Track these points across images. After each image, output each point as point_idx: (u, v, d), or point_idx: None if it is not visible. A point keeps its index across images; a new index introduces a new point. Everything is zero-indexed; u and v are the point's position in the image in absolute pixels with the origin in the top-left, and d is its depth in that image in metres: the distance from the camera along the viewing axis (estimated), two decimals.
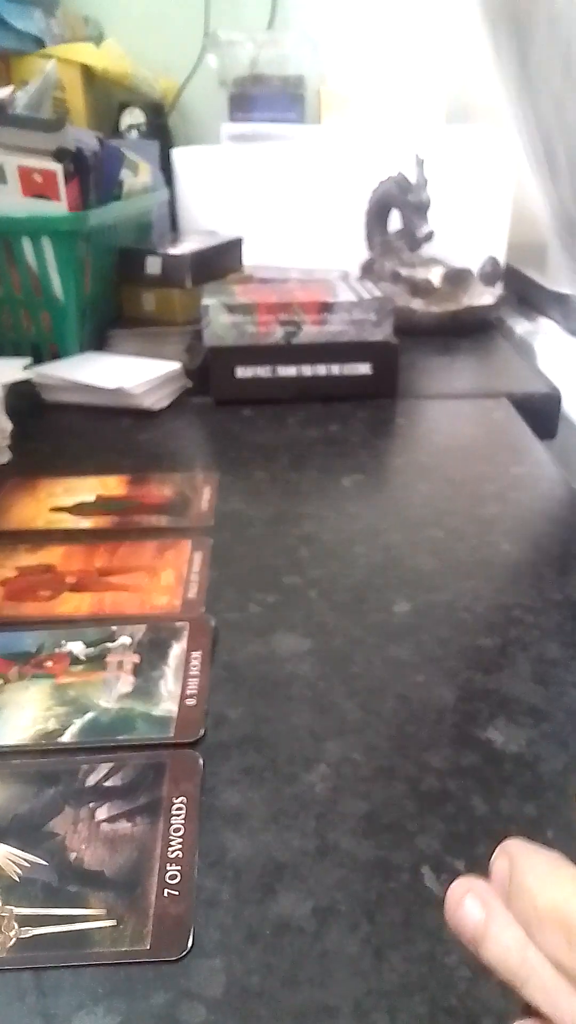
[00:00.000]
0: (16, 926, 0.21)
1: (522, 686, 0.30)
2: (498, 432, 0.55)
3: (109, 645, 0.32)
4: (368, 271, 0.83)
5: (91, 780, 0.25)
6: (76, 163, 0.61)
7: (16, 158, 0.59)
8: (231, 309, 0.59)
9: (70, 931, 0.21)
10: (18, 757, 0.26)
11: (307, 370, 0.61)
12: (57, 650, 0.32)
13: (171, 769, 0.26)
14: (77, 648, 0.32)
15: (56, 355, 0.66)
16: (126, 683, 0.30)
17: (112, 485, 0.47)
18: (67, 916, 0.21)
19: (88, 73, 0.90)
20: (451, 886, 0.18)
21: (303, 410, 0.59)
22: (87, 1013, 0.19)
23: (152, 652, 0.32)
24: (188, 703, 0.29)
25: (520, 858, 0.17)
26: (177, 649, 0.32)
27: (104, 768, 0.26)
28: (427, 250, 0.80)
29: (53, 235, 0.61)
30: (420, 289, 0.80)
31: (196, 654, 0.32)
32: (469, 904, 0.17)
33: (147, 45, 0.99)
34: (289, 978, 0.20)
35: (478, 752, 0.27)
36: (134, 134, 0.96)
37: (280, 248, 0.90)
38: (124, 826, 0.24)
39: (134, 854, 0.23)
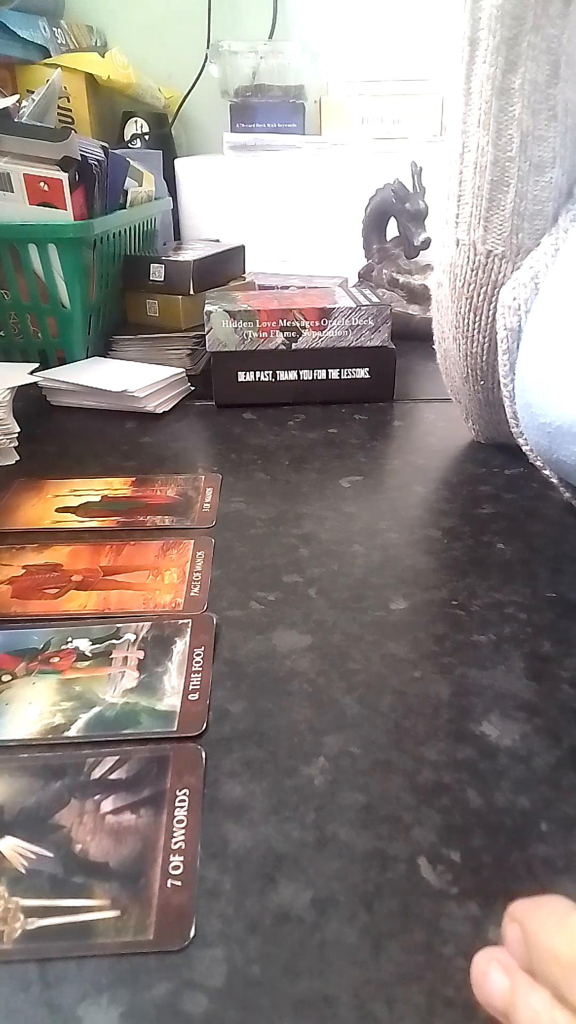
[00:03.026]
0: (22, 917, 0.21)
1: (516, 682, 0.30)
2: None
3: (114, 642, 0.33)
4: (366, 278, 0.84)
5: (96, 773, 0.26)
6: (81, 172, 0.62)
7: (22, 166, 0.60)
8: (233, 315, 0.59)
9: (74, 922, 0.21)
10: (25, 751, 0.27)
11: (307, 374, 0.61)
12: (63, 646, 0.32)
13: (174, 762, 0.26)
14: (83, 644, 0.33)
15: (62, 360, 0.66)
16: (131, 679, 0.30)
17: (117, 486, 0.48)
18: (72, 907, 0.21)
19: (93, 82, 0.92)
20: (474, 959, 0.18)
21: (303, 413, 0.60)
22: (91, 1003, 0.19)
23: (156, 648, 0.32)
24: (191, 698, 0.29)
25: (529, 921, 0.17)
26: (180, 645, 0.32)
27: (109, 761, 0.26)
28: (424, 257, 0.81)
29: (59, 243, 0.62)
30: (417, 295, 0.81)
31: (199, 650, 0.32)
32: (494, 974, 0.17)
33: (150, 55, 1.00)
34: (289, 968, 0.20)
35: (473, 746, 0.27)
36: (138, 143, 0.97)
37: (281, 255, 0.91)
38: (128, 818, 0.24)
39: (138, 845, 0.23)
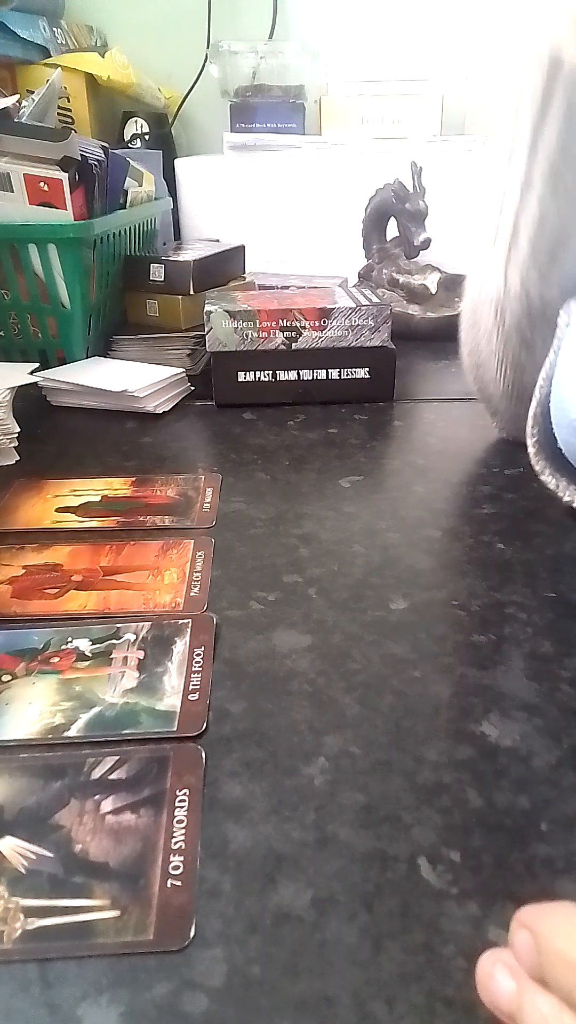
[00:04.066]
0: (22, 917, 0.21)
1: (516, 682, 0.30)
2: (492, 434, 0.55)
3: (114, 642, 0.33)
4: (366, 278, 0.84)
5: (96, 773, 0.26)
6: (81, 172, 0.62)
7: (22, 167, 0.60)
8: (233, 315, 0.59)
9: (75, 922, 0.21)
10: (25, 751, 0.27)
11: (307, 374, 0.61)
12: (64, 646, 0.33)
13: (174, 762, 0.26)
14: (83, 644, 0.33)
15: (62, 360, 0.66)
16: (131, 679, 0.30)
17: (117, 486, 0.48)
18: (72, 907, 0.22)
19: (93, 82, 0.92)
20: (479, 961, 0.18)
21: (303, 413, 0.60)
22: (91, 1003, 0.19)
23: (156, 648, 0.32)
24: (191, 698, 0.29)
25: (539, 926, 0.17)
26: (180, 645, 0.32)
27: (109, 761, 0.26)
28: (424, 257, 0.81)
29: (59, 243, 0.62)
30: (417, 295, 0.81)
31: (199, 650, 0.32)
32: (500, 976, 0.17)
33: (150, 55, 1.00)
34: (289, 968, 0.20)
35: (473, 746, 0.27)
36: (138, 143, 0.97)
37: (281, 255, 0.91)
38: (128, 818, 0.24)
39: (138, 845, 0.23)
